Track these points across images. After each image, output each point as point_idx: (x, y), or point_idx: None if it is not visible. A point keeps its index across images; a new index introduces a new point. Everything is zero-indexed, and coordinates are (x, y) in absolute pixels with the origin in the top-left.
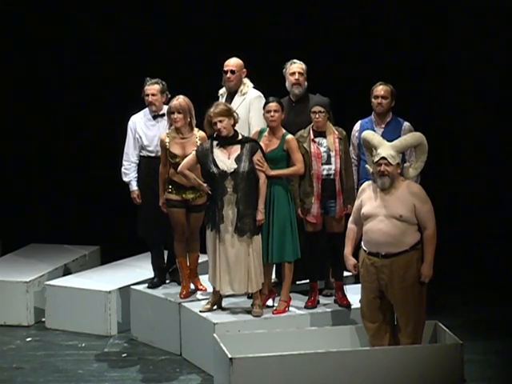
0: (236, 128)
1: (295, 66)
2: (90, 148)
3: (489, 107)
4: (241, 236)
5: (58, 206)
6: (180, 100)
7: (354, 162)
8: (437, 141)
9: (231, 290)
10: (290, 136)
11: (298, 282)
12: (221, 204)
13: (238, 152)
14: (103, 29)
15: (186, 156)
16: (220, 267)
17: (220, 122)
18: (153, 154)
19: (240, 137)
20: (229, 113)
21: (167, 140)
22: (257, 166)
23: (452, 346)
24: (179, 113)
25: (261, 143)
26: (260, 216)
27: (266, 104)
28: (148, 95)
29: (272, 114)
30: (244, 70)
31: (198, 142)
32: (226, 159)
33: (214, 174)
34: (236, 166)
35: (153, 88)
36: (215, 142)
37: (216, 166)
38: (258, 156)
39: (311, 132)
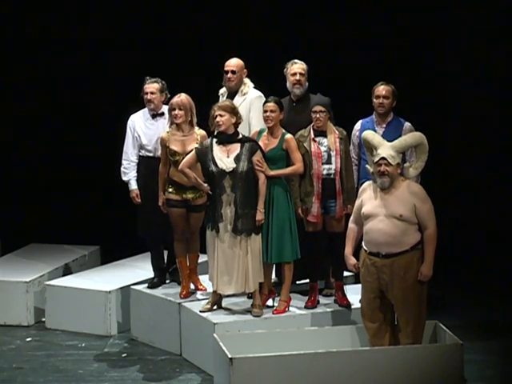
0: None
1: (296, 67)
2: (90, 147)
3: (490, 106)
4: (237, 235)
5: (58, 206)
6: (182, 97)
7: (355, 161)
8: (437, 141)
9: (229, 290)
10: (288, 135)
11: (297, 282)
12: (220, 203)
13: (238, 151)
14: (103, 28)
15: (185, 153)
16: (218, 267)
17: (220, 115)
18: (151, 154)
19: (240, 136)
20: (232, 110)
21: (167, 137)
22: (256, 167)
23: (452, 346)
24: (180, 109)
25: (260, 143)
26: (260, 216)
27: (264, 104)
28: (147, 93)
29: (268, 114)
30: (245, 70)
31: (199, 140)
32: (225, 158)
33: (213, 173)
34: (235, 166)
35: (152, 86)
36: (215, 140)
37: (215, 164)
38: (257, 156)
39: (312, 131)
